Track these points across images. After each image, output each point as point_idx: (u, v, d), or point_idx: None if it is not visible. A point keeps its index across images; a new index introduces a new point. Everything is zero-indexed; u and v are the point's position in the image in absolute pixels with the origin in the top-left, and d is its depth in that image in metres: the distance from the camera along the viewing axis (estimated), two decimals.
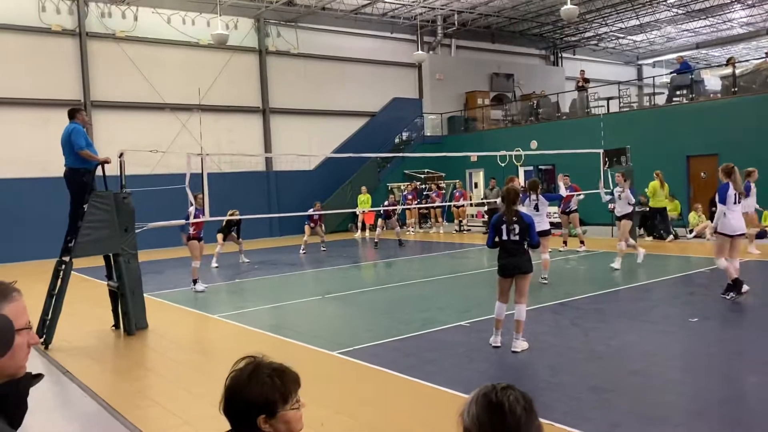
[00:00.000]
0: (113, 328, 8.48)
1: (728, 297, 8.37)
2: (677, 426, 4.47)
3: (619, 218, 11.98)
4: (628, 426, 4.43)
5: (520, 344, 6.47)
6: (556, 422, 4.41)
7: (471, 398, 1.56)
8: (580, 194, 14.94)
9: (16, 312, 1.56)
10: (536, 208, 10.64)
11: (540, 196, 10.78)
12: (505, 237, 6.51)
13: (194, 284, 11.34)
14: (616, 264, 11.54)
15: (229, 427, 2.05)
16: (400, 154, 23.05)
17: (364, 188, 21.38)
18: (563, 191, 14.04)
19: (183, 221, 10.84)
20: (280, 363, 1.89)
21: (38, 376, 1.72)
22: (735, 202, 8.34)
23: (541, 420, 1.53)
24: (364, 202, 21.03)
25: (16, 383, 1.61)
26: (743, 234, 8.57)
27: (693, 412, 4.78)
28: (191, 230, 11.21)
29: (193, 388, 5.81)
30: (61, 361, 6.92)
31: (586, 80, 23.17)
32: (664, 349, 6.51)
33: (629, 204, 11.84)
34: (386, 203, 19.26)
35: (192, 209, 10.84)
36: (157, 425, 4.91)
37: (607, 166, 15.35)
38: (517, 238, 6.50)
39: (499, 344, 6.66)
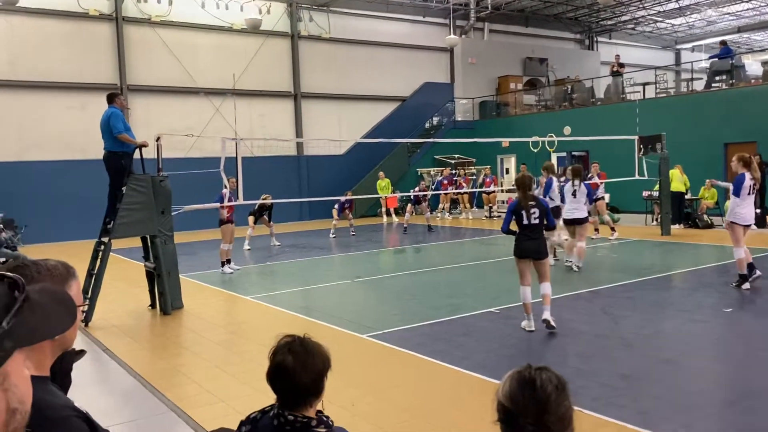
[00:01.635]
0: (150, 307, 8.71)
1: (744, 287, 8.39)
2: (708, 415, 4.45)
3: (579, 221, 10.58)
4: (657, 413, 4.42)
5: (550, 315, 6.70)
6: (586, 408, 4.43)
7: (505, 378, 1.63)
8: (598, 194, 14.37)
9: (77, 290, 1.65)
10: (574, 194, 10.53)
11: (582, 184, 10.60)
12: (525, 221, 6.68)
13: (222, 266, 11.56)
14: (575, 261, 10.57)
15: (263, 405, 2.13)
16: (431, 140, 22.95)
17: (381, 174, 21.39)
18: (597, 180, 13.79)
19: (218, 204, 11.03)
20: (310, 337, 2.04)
21: (81, 352, 1.82)
22: (749, 193, 8.33)
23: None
24: (383, 188, 21.06)
25: (60, 359, 1.71)
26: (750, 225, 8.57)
27: (725, 401, 4.75)
28: (225, 213, 11.39)
29: (227, 367, 5.96)
30: (101, 339, 7.15)
31: (622, 65, 22.70)
32: (697, 339, 6.45)
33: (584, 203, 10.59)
34: (416, 189, 19.26)
35: (226, 191, 11.06)
36: (192, 402, 5.06)
37: (641, 153, 15.10)
38: (536, 222, 6.69)
39: (533, 328, 6.73)
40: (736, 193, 8.38)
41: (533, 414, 1.52)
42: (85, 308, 7.79)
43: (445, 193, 21.01)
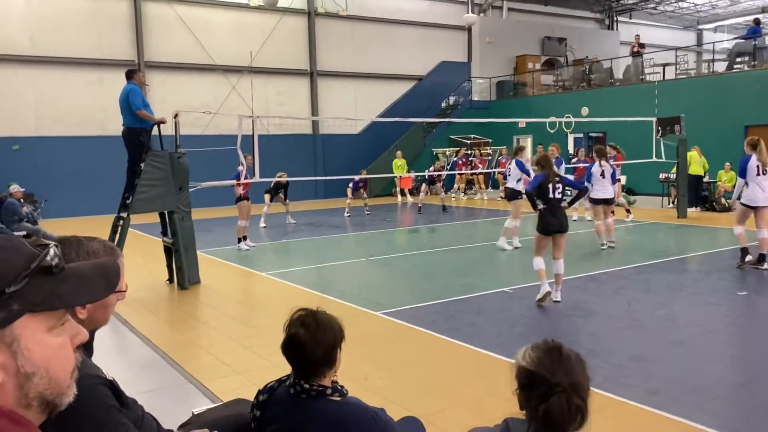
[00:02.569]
0: (167, 282, 8.85)
1: (762, 267, 8.55)
2: (717, 397, 4.47)
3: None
4: (667, 394, 4.45)
5: (560, 295, 7.10)
6: (596, 388, 4.44)
7: (524, 349, 1.69)
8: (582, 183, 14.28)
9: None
10: (602, 175, 10.83)
11: (609, 164, 10.94)
12: (551, 195, 6.96)
13: (239, 242, 11.65)
14: (503, 243, 10.87)
15: (280, 375, 2.20)
16: (447, 119, 22.83)
17: (399, 153, 21.35)
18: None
19: (235, 181, 11.11)
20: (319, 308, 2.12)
21: None
22: (758, 174, 8.49)
23: None
24: (399, 167, 21.03)
25: None
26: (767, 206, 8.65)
27: (735, 384, 4.77)
28: (241, 191, 11.44)
29: (243, 340, 6.07)
30: (119, 312, 7.29)
31: (642, 45, 22.34)
32: (710, 321, 6.45)
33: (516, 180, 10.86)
34: (431, 168, 19.22)
35: (242, 168, 11.12)
36: (208, 373, 5.18)
37: (660, 135, 14.94)
38: (560, 196, 7.04)
39: (550, 289, 7.00)
40: (742, 175, 8.66)
41: (562, 375, 1.58)
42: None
43: (460, 174, 20.96)
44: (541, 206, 6.99)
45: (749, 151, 8.65)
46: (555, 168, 7.28)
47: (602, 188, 10.78)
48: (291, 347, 2.04)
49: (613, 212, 14.56)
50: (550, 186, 6.97)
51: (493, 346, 5.56)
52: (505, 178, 11.15)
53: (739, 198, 8.89)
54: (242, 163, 10.74)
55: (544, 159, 7.24)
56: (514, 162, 11.01)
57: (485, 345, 5.63)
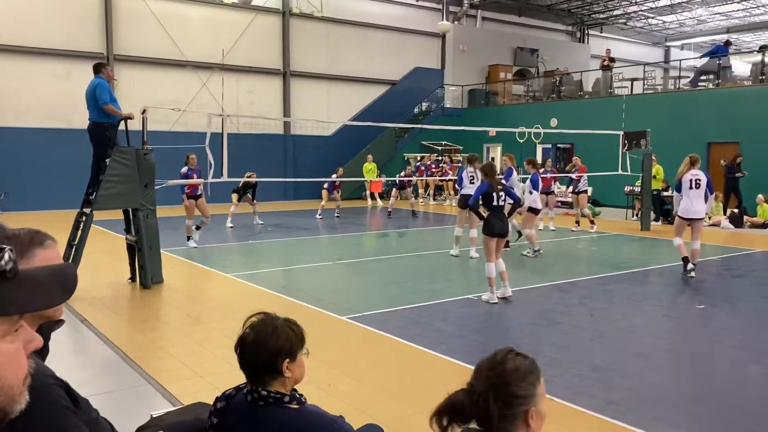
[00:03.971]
0: (129, 280, 8.68)
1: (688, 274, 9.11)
2: (674, 408, 4.57)
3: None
4: (625, 404, 4.54)
5: (509, 290, 7.71)
6: (556, 397, 4.53)
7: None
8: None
9: (49, 260, 1.59)
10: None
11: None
12: (495, 203, 7.65)
13: (188, 240, 11.82)
14: (455, 252, 10.93)
15: (242, 381, 2.18)
16: (419, 125, 22.94)
17: (370, 157, 21.40)
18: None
19: (202, 180, 10.99)
20: (287, 317, 2.10)
21: (59, 322, 1.81)
22: (690, 188, 9.18)
23: None
24: (369, 171, 21.06)
25: (38, 327, 1.70)
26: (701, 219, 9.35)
27: (691, 396, 4.88)
28: (186, 190, 11.55)
29: (205, 342, 5.99)
30: (79, 310, 7.13)
31: (612, 59, 22.82)
32: (669, 334, 6.60)
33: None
34: (402, 174, 19.28)
35: (185, 169, 11.38)
36: (169, 376, 5.09)
37: (626, 148, 15.25)
38: (503, 203, 7.71)
39: (496, 301, 7.51)
40: (678, 189, 9.34)
41: (482, 379, 1.63)
42: None
43: (423, 179, 21.00)
44: (485, 213, 7.65)
45: (688, 166, 9.28)
46: (498, 177, 7.99)
47: (533, 199, 11.10)
48: (238, 350, 2.04)
49: (577, 222, 14.89)
50: (495, 194, 7.65)
51: (458, 353, 5.59)
52: (459, 184, 11.18)
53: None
54: (186, 163, 11.36)
55: (489, 168, 7.88)
56: (465, 171, 11.13)
57: (450, 352, 5.66)
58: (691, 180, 9.14)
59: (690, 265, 9.16)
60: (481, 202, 7.77)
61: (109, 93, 8.21)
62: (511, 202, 8.11)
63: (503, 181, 8.22)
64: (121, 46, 19.71)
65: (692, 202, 9.12)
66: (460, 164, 23.45)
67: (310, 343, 2.10)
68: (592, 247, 12.62)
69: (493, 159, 11.15)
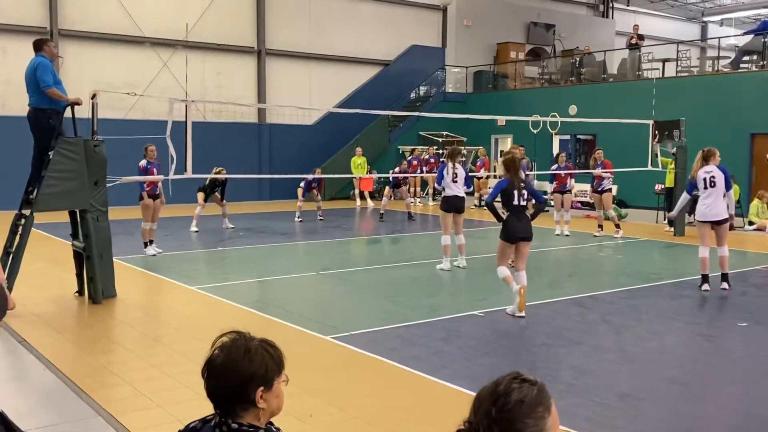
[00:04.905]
0: (77, 294, 8.65)
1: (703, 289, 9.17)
2: None
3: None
4: None
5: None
6: (576, 429, 4.55)
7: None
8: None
9: None
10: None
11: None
12: (515, 202, 7.66)
13: (145, 248, 11.76)
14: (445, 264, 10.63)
15: (208, 412, 2.17)
16: (416, 113, 22.96)
17: (359, 150, 21.39)
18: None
19: (162, 177, 10.97)
20: (263, 337, 2.08)
21: None
22: (705, 187, 9.16)
23: (562, 427, 1.65)
24: (358, 167, 21.03)
25: None
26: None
27: (733, 427, 4.91)
28: (146, 187, 11.59)
29: (165, 367, 5.97)
30: (17, 329, 7.09)
31: (640, 37, 22.92)
32: (706, 355, 6.64)
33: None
34: (396, 169, 19.30)
35: (143, 162, 11.52)
36: (123, 406, 5.07)
37: (656, 140, 15.33)
38: (524, 203, 7.72)
39: (524, 314, 7.55)
40: (690, 190, 9.52)
41: (483, 411, 1.62)
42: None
43: (416, 176, 20.95)
44: (504, 214, 7.66)
45: (701, 163, 9.33)
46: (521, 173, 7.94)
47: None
48: (204, 375, 2.03)
49: (600, 227, 14.96)
50: (515, 192, 7.64)
51: (462, 379, 5.60)
52: (438, 183, 10.89)
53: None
54: (145, 156, 11.40)
55: (510, 162, 7.80)
56: (447, 167, 10.63)
57: (452, 377, 5.66)
58: (705, 178, 9.15)
59: (705, 286, 9.14)
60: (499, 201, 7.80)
61: (52, 74, 8.18)
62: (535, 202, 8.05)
63: (525, 176, 8.26)
64: (68, 19, 19.63)
65: (709, 204, 9.13)
66: (464, 159, 23.52)
67: (289, 368, 2.09)
68: (617, 255, 12.66)
69: (502, 153, 10.99)
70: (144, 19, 20.66)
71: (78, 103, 8.30)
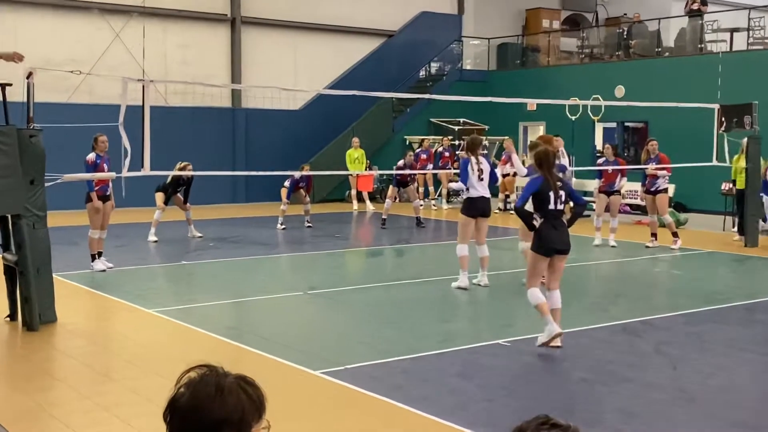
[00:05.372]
0: (7, 319, 8.64)
1: None
2: None
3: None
4: None
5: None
6: None
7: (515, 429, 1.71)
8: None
9: None
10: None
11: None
12: (551, 206, 7.48)
13: (93, 261, 11.72)
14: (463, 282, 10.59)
15: None
16: (426, 95, 22.96)
17: (356, 140, 21.32)
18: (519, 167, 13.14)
19: (113, 174, 10.97)
20: (240, 373, 2.07)
21: None
22: None
23: None
24: (356, 161, 21.00)
25: None
26: None
27: None
28: (95, 186, 11.48)
29: (117, 408, 5.97)
30: None
31: (703, 2, 22.93)
32: None
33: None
34: (400, 163, 19.30)
35: (92, 156, 11.33)
36: None
37: (723, 128, 15.31)
38: (561, 207, 7.60)
39: (560, 330, 7.31)
40: (765, 190, 9.16)
41: None
42: None
43: (425, 173, 20.90)
44: (537, 221, 7.49)
45: None
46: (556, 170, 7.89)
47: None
48: (167, 419, 2.02)
49: (654, 236, 14.94)
50: (551, 194, 7.45)
51: (483, 425, 5.60)
52: (463, 181, 10.84)
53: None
54: (94, 148, 11.24)
55: (544, 156, 7.66)
56: (470, 163, 10.60)
57: (471, 421, 5.65)
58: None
59: None
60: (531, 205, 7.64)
61: None
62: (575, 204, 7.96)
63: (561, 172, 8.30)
64: None
65: None
66: (485, 151, 23.53)
67: (270, 410, 2.09)
68: (674, 271, 12.63)
69: (531, 144, 10.73)
70: None
71: (16, 60, 8.30)
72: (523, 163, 14.83)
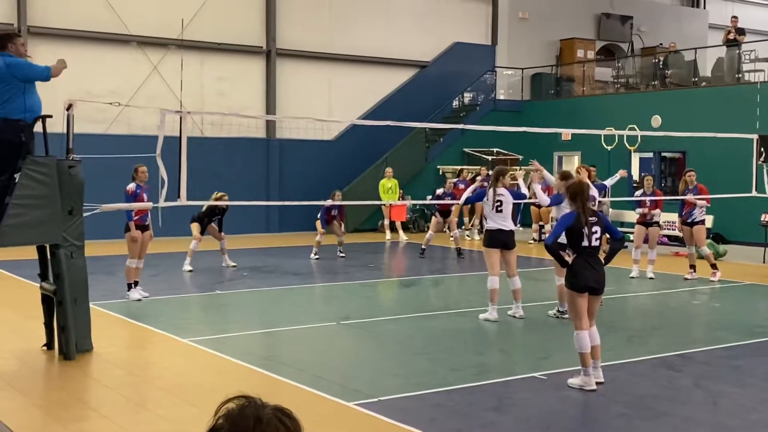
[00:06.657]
0: (44, 348, 8.71)
1: None
2: None
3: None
4: None
5: (600, 372, 7.43)
6: None
7: None
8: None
9: None
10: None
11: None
12: (585, 243, 7.32)
13: (129, 290, 11.82)
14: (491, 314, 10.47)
15: None
16: (459, 126, 22.98)
17: (389, 170, 21.36)
18: (524, 189, 12.95)
19: (151, 204, 11.08)
20: (277, 404, 2.07)
21: None
22: None
23: None
24: (389, 191, 21.02)
25: None
26: None
27: None
28: (134, 216, 11.67)
29: None
30: None
31: (740, 31, 22.79)
32: None
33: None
34: (440, 191, 19.26)
35: (132, 186, 11.55)
36: None
37: (762, 158, 15.15)
38: (597, 243, 7.43)
39: (601, 378, 7.34)
40: None
41: None
42: None
43: (457, 203, 20.86)
44: (570, 257, 7.37)
45: None
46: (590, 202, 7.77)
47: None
48: None
49: (693, 267, 14.76)
50: (585, 230, 7.30)
51: None
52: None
53: None
54: (134, 178, 11.48)
55: (579, 189, 7.56)
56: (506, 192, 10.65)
57: None
58: None
59: None
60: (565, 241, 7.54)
61: (31, 67, 8.36)
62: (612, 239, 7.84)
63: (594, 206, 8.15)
64: (38, 15, 20.09)
65: None
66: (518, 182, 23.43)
67: None
68: (714, 303, 12.46)
69: (561, 174, 10.65)
70: (130, 13, 21.05)
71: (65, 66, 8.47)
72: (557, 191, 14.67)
